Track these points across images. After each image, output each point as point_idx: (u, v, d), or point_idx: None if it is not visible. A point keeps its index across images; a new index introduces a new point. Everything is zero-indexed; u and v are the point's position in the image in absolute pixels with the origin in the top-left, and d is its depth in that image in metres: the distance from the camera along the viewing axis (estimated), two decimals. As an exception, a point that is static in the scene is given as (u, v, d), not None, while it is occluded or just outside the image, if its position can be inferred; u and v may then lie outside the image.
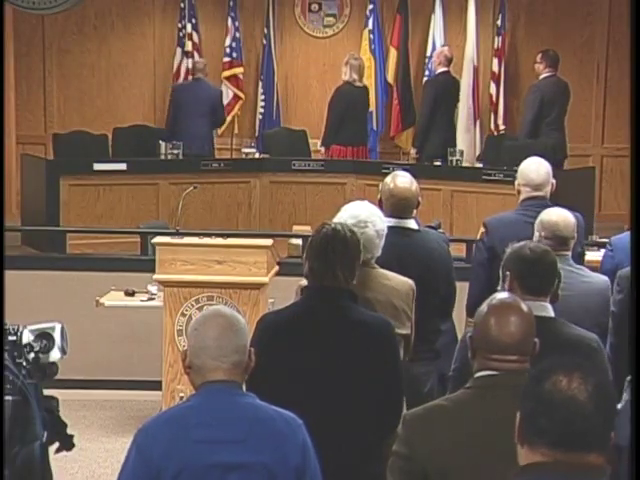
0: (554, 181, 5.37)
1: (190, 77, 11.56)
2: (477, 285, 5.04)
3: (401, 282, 4.36)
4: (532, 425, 2.29)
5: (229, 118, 12.21)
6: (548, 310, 3.79)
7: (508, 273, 3.91)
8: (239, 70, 12.25)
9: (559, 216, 4.73)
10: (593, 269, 5.10)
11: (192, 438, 2.99)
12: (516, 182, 5.41)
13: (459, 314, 5.20)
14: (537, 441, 2.28)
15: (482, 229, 5.38)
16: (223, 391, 3.05)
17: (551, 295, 3.86)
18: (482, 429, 2.90)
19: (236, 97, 12.25)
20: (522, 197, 5.34)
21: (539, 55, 10.64)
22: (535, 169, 5.34)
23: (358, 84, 10.93)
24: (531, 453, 2.30)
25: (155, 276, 6.54)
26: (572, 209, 5.31)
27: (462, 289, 5.15)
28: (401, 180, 4.93)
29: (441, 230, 5.40)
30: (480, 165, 10.99)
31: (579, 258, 5.23)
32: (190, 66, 11.72)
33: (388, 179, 4.98)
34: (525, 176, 5.33)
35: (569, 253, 4.67)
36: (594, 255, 6.52)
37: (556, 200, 5.32)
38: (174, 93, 11.26)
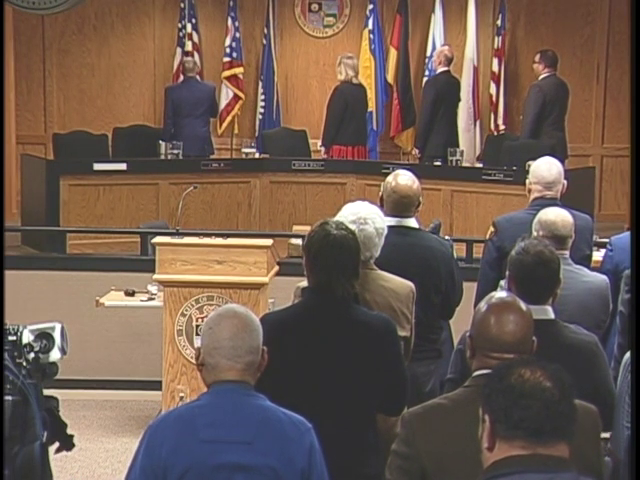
0: (565, 182, 5.38)
1: (181, 77, 11.54)
2: (485, 285, 5.02)
3: (400, 284, 4.34)
4: (507, 420, 2.33)
5: (229, 118, 12.22)
6: (548, 312, 3.76)
7: (508, 274, 3.92)
8: (239, 70, 12.25)
9: (557, 215, 4.74)
10: (593, 269, 5.10)
11: (200, 437, 3.00)
12: (527, 181, 5.42)
13: (459, 314, 5.19)
14: (514, 434, 2.32)
15: (491, 229, 5.39)
16: (233, 391, 3.06)
17: (552, 298, 3.85)
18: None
19: (236, 97, 12.24)
20: (533, 196, 5.36)
21: (537, 55, 10.65)
22: (547, 168, 5.36)
23: (355, 81, 10.91)
24: (508, 447, 2.32)
25: (155, 276, 6.54)
26: (581, 211, 5.33)
27: (464, 289, 5.14)
28: (403, 178, 4.94)
29: (447, 238, 5.39)
30: (480, 165, 11.00)
31: (586, 260, 5.24)
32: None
33: (390, 177, 4.99)
34: (537, 174, 5.35)
35: (567, 252, 4.68)
36: (594, 255, 6.52)
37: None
38: (168, 95, 11.20)
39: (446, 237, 5.50)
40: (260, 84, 12.33)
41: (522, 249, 3.91)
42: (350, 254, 3.81)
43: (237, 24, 12.21)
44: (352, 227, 4.06)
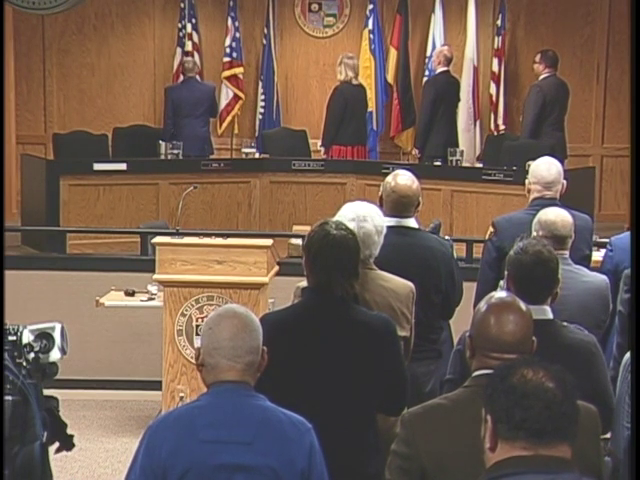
0: (564, 182, 5.39)
1: (181, 77, 11.55)
2: (485, 285, 5.02)
3: (400, 284, 4.34)
4: (509, 420, 2.33)
5: (229, 118, 12.22)
6: (546, 312, 3.76)
7: (506, 273, 3.92)
8: (239, 70, 12.25)
9: (557, 215, 4.74)
10: (593, 269, 5.10)
11: (200, 438, 3.00)
12: (527, 181, 5.43)
13: (459, 314, 5.19)
14: (516, 435, 2.32)
15: (491, 229, 5.39)
16: (233, 392, 3.06)
17: (550, 298, 3.84)
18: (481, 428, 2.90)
19: (236, 97, 12.24)
20: (532, 196, 5.37)
21: (538, 55, 10.66)
22: (546, 168, 5.37)
23: (355, 82, 10.93)
24: (510, 448, 2.32)
25: (155, 276, 6.54)
26: (581, 211, 5.34)
27: (464, 289, 5.14)
28: (402, 178, 4.94)
29: (447, 238, 5.40)
30: (480, 165, 11.00)
31: (586, 260, 5.24)
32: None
33: (389, 177, 4.99)
34: (536, 174, 5.36)
35: (567, 252, 4.68)
36: (594, 255, 6.52)
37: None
38: (168, 95, 11.20)
39: (446, 237, 5.50)
40: (260, 84, 12.33)
41: (521, 249, 3.91)
42: (350, 254, 3.82)
43: (237, 24, 12.21)
44: (351, 225, 4.07)
